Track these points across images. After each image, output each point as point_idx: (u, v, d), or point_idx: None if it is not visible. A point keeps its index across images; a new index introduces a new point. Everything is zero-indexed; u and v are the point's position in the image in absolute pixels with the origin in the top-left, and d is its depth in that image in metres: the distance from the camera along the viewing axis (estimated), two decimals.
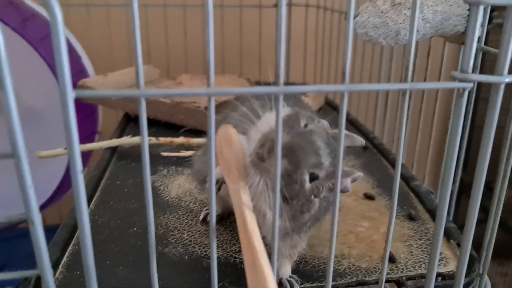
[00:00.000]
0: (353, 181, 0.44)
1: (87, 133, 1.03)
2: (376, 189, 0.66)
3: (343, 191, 0.44)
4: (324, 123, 0.44)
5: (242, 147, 0.40)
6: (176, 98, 0.88)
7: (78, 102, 0.95)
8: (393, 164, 0.74)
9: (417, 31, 0.53)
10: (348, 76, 0.34)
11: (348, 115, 0.88)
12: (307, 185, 0.41)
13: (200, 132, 0.81)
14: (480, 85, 1.22)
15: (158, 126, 0.87)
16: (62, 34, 0.29)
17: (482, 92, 1.19)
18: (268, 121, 0.40)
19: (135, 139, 0.75)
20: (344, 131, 0.35)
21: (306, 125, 0.41)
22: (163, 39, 1.13)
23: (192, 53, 1.15)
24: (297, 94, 0.45)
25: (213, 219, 0.35)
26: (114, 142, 0.75)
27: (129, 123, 0.91)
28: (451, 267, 0.49)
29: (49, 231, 1.21)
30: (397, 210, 0.59)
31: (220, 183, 0.44)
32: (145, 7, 1.11)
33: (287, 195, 0.40)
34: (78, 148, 0.32)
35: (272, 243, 0.37)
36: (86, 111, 1.00)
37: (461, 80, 0.36)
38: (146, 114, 0.34)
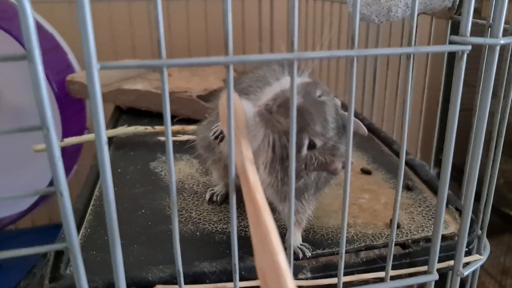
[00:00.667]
0: (343, 166, 0.44)
1: (77, 129, 1.02)
2: (372, 165, 0.68)
3: (332, 173, 0.45)
4: (337, 101, 0.45)
5: (244, 110, 0.41)
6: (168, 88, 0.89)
7: (68, 98, 0.95)
8: (384, 141, 0.77)
9: (408, 7, 0.56)
10: (357, 42, 0.36)
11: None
12: (304, 150, 0.42)
13: (193, 121, 0.82)
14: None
15: (151, 117, 0.88)
16: (87, 4, 0.30)
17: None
18: (286, 82, 0.42)
19: (131, 129, 0.76)
20: (353, 106, 0.37)
21: (320, 96, 0.42)
22: (147, 33, 1.14)
23: (177, 45, 1.16)
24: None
25: (231, 185, 0.36)
26: (110, 132, 0.76)
27: (122, 115, 0.91)
28: (451, 229, 0.52)
29: (38, 232, 1.20)
30: (394, 182, 0.62)
31: (223, 134, 0.45)
32: (128, 1, 1.11)
33: (283, 155, 0.41)
34: (103, 118, 0.33)
35: (289, 210, 0.38)
36: (76, 107, 1.00)
37: (460, 43, 0.38)
38: (166, 87, 0.34)
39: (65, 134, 0.91)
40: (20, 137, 0.88)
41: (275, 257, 0.27)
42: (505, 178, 1.28)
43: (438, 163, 0.71)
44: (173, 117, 0.87)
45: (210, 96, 0.91)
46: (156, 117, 0.88)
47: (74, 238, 0.35)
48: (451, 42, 0.39)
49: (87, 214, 0.54)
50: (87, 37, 0.30)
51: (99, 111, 0.33)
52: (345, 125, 0.41)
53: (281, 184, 0.43)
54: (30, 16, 0.28)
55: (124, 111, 0.92)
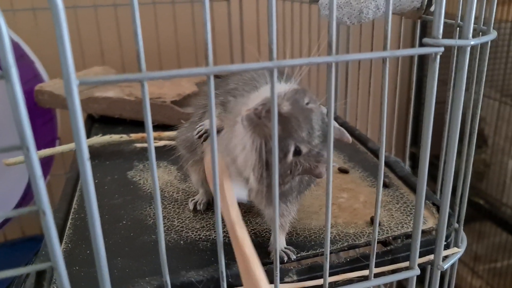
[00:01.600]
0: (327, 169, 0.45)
1: (48, 139, 1.00)
2: (348, 163, 0.69)
3: (317, 176, 0.46)
4: (324, 109, 0.46)
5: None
6: (140, 95, 0.88)
7: (36, 108, 0.92)
8: (358, 139, 0.78)
9: (378, 8, 0.57)
10: (334, 48, 0.36)
11: None
12: (290, 157, 0.42)
13: (168, 127, 0.81)
14: (424, 62, 1.29)
15: (124, 124, 0.87)
16: (63, 21, 0.29)
17: (427, 70, 1.27)
18: (267, 90, 0.42)
19: (105, 138, 0.75)
20: (332, 115, 0.38)
21: (308, 103, 0.43)
22: (116, 39, 1.12)
23: (147, 51, 1.14)
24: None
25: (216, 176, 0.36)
26: None
27: (94, 123, 0.89)
28: (429, 224, 0.53)
29: (11, 246, 1.17)
30: (371, 180, 0.63)
31: (208, 134, 0.46)
32: (95, 7, 1.09)
33: (269, 160, 0.41)
34: (84, 134, 0.33)
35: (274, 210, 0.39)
36: (45, 117, 0.97)
37: (433, 46, 0.39)
38: (147, 100, 0.34)
39: (36, 145, 0.89)
40: None
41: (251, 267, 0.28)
42: (474, 168, 1.32)
43: (411, 157, 0.73)
44: None
45: (184, 101, 0.90)
46: (130, 125, 0.87)
47: (59, 257, 0.34)
48: (424, 45, 0.40)
49: (67, 229, 0.53)
50: (65, 53, 0.30)
51: (80, 127, 0.32)
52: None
53: (268, 190, 0.43)
54: (5, 35, 0.28)
55: (96, 120, 0.91)
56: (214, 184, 0.36)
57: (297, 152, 0.42)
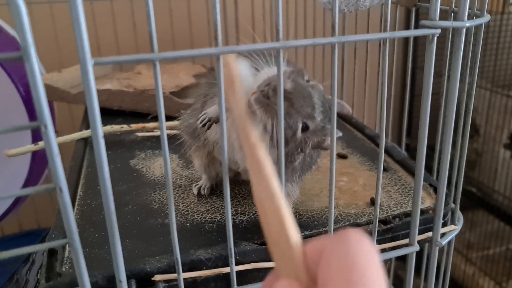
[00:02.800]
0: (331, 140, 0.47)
1: None
2: (347, 149, 0.71)
3: (325, 149, 0.48)
4: (321, 86, 0.48)
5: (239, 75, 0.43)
6: (139, 86, 0.89)
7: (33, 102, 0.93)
8: (355, 126, 0.80)
9: None
10: (337, 29, 0.38)
11: None
12: (299, 133, 0.44)
13: (167, 118, 0.82)
14: (416, 55, 1.31)
15: (124, 116, 0.87)
16: (79, 3, 0.30)
17: (419, 62, 1.29)
18: (270, 69, 0.43)
19: (106, 128, 0.76)
20: (336, 93, 0.39)
21: (308, 81, 0.44)
22: (112, 33, 1.13)
23: (142, 44, 1.15)
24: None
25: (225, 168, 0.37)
26: (85, 133, 0.75)
27: None
28: (427, 204, 0.55)
29: (9, 240, 1.18)
30: (370, 164, 0.65)
31: (212, 122, 0.47)
32: (91, 1, 1.09)
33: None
34: (98, 113, 0.34)
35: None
36: None
37: (430, 27, 0.41)
38: (159, 81, 0.35)
39: (34, 138, 0.89)
40: None
41: (270, 184, 0.28)
42: (466, 157, 1.35)
43: (406, 148, 0.75)
44: (146, 115, 0.87)
45: (182, 92, 0.92)
46: (129, 116, 0.88)
47: (74, 233, 0.36)
48: (421, 27, 0.41)
49: (74, 214, 0.54)
50: (81, 34, 0.31)
51: (95, 107, 0.34)
52: (330, 107, 0.43)
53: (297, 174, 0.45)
54: (24, 15, 0.29)
55: None
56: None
57: (305, 128, 0.44)
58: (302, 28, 0.94)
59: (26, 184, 0.95)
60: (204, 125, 0.48)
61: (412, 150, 0.67)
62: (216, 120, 0.47)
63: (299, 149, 0.46)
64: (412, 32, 0.41)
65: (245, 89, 0.42)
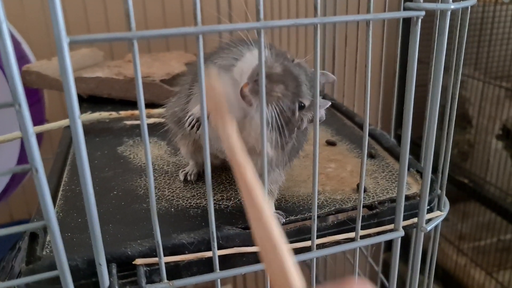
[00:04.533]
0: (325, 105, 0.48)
1: (35, 122, 1.00)
2: (336, 137, 0.71)
3: (320, 120, 0.48)
4: (304, 63, 0.48)
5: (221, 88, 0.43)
6: (129, 74, 0.88)
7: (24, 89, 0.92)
8: (345, 115, 0.80)
9: None
10: (319, 10, 0.37)
11: None
12: (297, 113, 0.45)
13: (157, 105, 0.82)
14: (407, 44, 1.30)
15: (113, 104, 0.87)
16: None
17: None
18: (253, 56, 0.43)
19: (95, 115, 0.75)
20: (319, 73, 0.39)
21: (293, 60, 0.44)
22: (103, 21, 1.12)
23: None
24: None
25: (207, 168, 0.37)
26: None
27: (83, 103, 0.89)
28: (413, 190, 0.55)
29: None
30: (358, 151, 0.65)
31: (200, 122, 0.46)
32: None
33: (282, 123, 0.43)
34: (75, 92, 0.33)
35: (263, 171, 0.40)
36: (32, 99, 0.97)
37: (414, 9, 0.40)
38: (137, 60, 0.35)
39: None
40: None
41: (271, 233, 0.28)
42: (458, 148, 1.35)
43: (396, 138, 0.74)
44: (135, 103, 0.86)
45: (173, 80, 0.91)
46: (118, 104, 0.87)
47: (51, 213, 0.35)
48: (406, 9, 0.41)
49: (58, 199, 0.54)
50: (55, 10, 0.30)
51: (71, 85, 0.33)
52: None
53: (282, 153, 0.47)
54: None
55: (84, 99, 0.91)
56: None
57: (302, 107, 0.44)
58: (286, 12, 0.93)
59: (14, 177, 0.94)
60: (192, 127, 0.47)
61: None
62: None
63: (297, 127, 0.46)
64: (396, 14, 0.41)
65: (230, 103, 0.43)
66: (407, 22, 0.44)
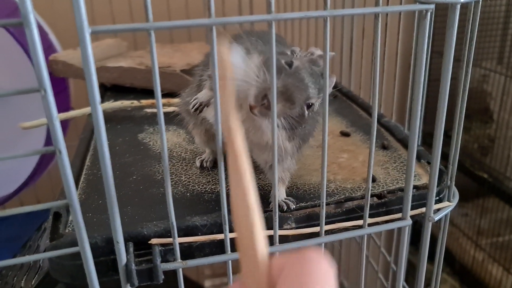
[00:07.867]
0: (331, 84, 0.50)
1: (61, 109, 1.03)
2: (350, 128, 0.72)
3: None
4: (296, 49, 0.49)
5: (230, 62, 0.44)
6: (151, 64, 0.90)
7: (51, 78, 0.96)
8: (361, 107, 0.80)
9: None
10: (329, 2, 0.39)
11: None
12: (306, 113, 0.47)
13: (177, 95, 0.84)
14: (434, 39, 1.29)
15: (135, 93, 0.90)
16: None
17: (436, 46, 1.27)
18: (255, 59, 0.45)
19: (117, 103, 0.78)
20: (328, 67, 0.40)
21: (291, 64, 0.46)
22: (127, 13, 1.14)
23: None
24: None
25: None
26: None
27: (106, 92, 0.92)
28: (423, 180, 0.56)
29: (26, 214, 1.21)
30: None
31: (203, 105, 0.49)
32: None
33: (293, 125, 0.46)
34: (96, 80, 0.36)
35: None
36: (58, 87, 1.01)
37: (424, 3, 0.41)
38: (154, 50, 0.37)
39: None
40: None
41: (247, 196, 0.29)
42: (478, 143, 1.33)
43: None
44: None
45: (193, 70, 0.93)
46: (140, 93, 0.90)
47: (73, 193, 0.38)
48: (418, 2, 0.42)
49: (80, 182, 0.57)
50: (78, 1, 0.32)
51: (92, 73, 0.35)
52: (322, 74, 0.44)
53: (294, 144, 0.50)
54: None
55: (108, 88, 0.94)
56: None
57: (310, 106, 0.47)
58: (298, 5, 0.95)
59: (42, 159, 0.98)
60: (196, 110, 0.50)
61: (427, 136, 0.67)
62: (207, 104, 0.49)
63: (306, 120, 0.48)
64: (405, 7, 0.42)
65: (238, 76, 0.44)
66: None
